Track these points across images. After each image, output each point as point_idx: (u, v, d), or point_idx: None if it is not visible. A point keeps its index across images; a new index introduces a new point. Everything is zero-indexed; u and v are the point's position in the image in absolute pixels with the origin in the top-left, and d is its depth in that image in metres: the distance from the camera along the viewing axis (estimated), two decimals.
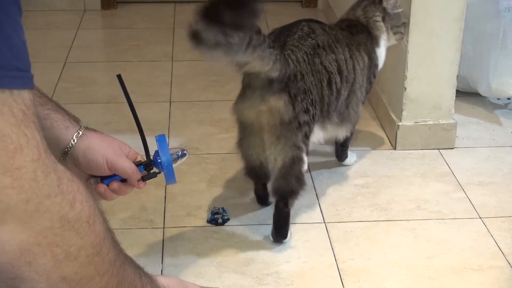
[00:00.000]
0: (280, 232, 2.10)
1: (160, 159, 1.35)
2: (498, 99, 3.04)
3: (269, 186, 2.23)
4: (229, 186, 2.41)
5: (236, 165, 2.50)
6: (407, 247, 2.12)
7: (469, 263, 2.05)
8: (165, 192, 2.35)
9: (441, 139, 2.67)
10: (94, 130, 1.31)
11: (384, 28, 2.37)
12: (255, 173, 2.18)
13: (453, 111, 2.67)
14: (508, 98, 3.03)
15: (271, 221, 2.14)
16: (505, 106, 3.02)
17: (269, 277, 1.97)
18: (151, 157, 1.38)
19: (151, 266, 2.00)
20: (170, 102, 3.01)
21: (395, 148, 2.67)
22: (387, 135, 2.75)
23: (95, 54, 3.63)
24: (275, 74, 1.97)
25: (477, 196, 2.37)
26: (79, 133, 1.23)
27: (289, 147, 2.03)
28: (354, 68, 2.25)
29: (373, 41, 2.37)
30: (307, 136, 2.08)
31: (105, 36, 4.01)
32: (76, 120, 1.28)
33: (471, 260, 2.06)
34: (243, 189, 2.37)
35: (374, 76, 2.42)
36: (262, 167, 2.12)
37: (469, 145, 2.63)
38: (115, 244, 0.68)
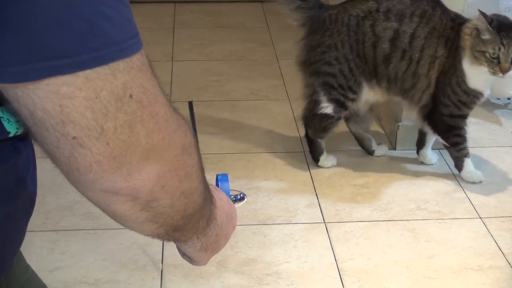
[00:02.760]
0: (311, 155, 2.53)
1: None
2: (498, 99, 3.03)
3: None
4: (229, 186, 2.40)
5: (236, 165, 2.50)
6: (407, 247, 2.12)
7: (469, 263, 2.05)
8: None
9: None
10: None
11: (467, 43, 2.23)
12: None
13: None
14: (508, 98, 3.02)
15: (271, 221, 2.14)
16: (505, 106, 3.02)
17: (269, 277, 1.97)
18: None
19: (151, 266, 2.00)
20: (170, 102, 3.00)
21: (395, 148, 2.66)
22: (387, 135, 2.75)
23: None
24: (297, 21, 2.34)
25: (477, 196, 2.37)
26: None
27: (306, 86, 2.40)
28: (422, 50, 2.27)
29: (460, 51, 2.25)
30: (329, 85, 2.34)
31: None
32: None
33: (471, 260, 2.06)
34: (243, 189, 2.36)
35: (464, 91, 2.29)
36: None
37: (469, 145, 2.63)
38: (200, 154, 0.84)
